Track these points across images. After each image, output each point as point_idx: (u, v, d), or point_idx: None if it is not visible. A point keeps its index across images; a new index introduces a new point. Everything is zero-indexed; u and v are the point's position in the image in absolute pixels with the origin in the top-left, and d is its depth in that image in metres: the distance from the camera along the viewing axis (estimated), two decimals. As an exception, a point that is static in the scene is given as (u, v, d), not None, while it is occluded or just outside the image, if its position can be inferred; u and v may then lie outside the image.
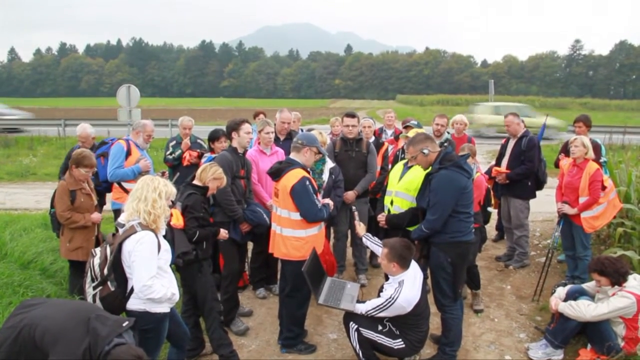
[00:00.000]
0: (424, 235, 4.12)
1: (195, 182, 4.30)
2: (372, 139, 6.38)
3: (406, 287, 3.87)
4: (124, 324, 2.77)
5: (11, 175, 13.44)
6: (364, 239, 4.62)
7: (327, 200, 4.58)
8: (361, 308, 3.99)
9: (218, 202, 4.67)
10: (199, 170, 4.36)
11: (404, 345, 3.94)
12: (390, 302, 3.85)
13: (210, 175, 4.27)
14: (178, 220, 3.92)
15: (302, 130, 6.36)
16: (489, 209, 5.90)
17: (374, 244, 4.49)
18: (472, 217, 4.18)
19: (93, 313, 2.76)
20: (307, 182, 4.23)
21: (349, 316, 4.08)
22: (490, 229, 7.48)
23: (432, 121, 6.76)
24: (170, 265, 3.49)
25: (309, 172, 4.44)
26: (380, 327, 3.98)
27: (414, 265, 4.04)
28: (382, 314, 3.92)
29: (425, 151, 4.10)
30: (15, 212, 8.88)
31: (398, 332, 3.96)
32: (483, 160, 13.27)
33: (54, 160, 15.20)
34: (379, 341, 3.94)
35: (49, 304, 2.90)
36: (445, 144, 6.23)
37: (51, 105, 56.70)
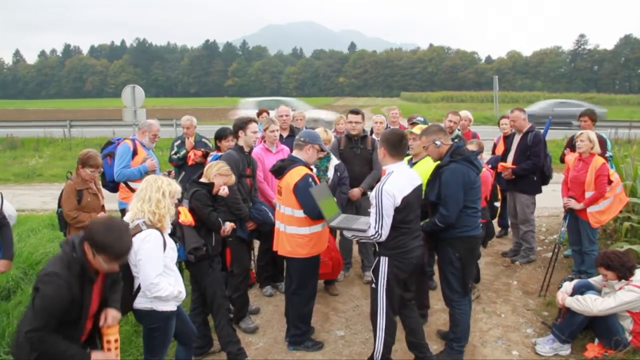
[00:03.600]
0: (437, 229, 4.08)
1: (202, 179, 4.32)
2: None
3: (394, 176, 3.73)
4: None
5: (18, 176, 13.49)
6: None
7: None
8: (370, 232, 3.75)
9: (224, 200, 4.69)
10: (205, 168, 4.40)
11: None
12: (378, 195, 3.64)
13: (215, 171, 4.29)
14: (186, 217, 3.93)
15: (306, 128, 6.36)
16: (496, 204, 5.90)
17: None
18: (480, 212, 4.19)
19: None
20: (310, 180, 4.24)
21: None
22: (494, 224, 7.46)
23: (445, 118, 6.75)
24: (180, 263, 3.50)
25: (311, 170, 4.45)
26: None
27: (407, 166, 3.99)
28: (383, 222, 3.66)
29: (438, 142, 4.10)
30: (23, 213, 8.91)
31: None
32: (487, 157, 13.23)
33: (59, 162, 15.27)
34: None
35: None
36: (456, 140, 6.23)
37: (56, 106, 56.92)
